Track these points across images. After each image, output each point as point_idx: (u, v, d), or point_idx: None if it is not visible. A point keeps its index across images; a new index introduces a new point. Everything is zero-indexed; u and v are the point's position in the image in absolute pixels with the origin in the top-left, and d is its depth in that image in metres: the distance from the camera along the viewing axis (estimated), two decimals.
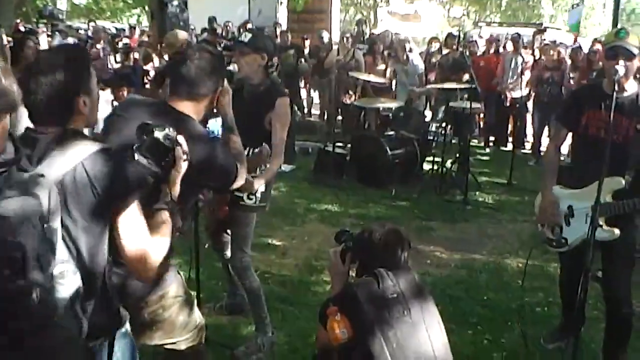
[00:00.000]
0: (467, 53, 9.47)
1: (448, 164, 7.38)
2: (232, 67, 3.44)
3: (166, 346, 2.50)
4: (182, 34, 6.00)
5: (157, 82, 5.36)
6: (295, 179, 7.54)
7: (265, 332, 3.57)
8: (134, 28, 15.25)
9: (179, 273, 2.52)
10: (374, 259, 2.37)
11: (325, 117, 10.84)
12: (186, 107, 2.36)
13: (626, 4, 26.25)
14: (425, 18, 25.38)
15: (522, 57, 9.31)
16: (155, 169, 1.83)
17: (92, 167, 1.64)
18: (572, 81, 8.59)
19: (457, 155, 7.54)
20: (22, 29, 11.58)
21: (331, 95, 9.91)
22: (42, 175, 1.54)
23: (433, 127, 7.94)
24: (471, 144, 8.16)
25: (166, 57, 7.14)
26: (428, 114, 9.31)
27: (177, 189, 1.96)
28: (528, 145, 9.72)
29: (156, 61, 8.32)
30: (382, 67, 9.43)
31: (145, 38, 12.34)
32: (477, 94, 7.49)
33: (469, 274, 4.89)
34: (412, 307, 2.21)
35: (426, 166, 7.76)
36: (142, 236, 1.77)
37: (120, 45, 11.50)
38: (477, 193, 7.16)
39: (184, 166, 1.95)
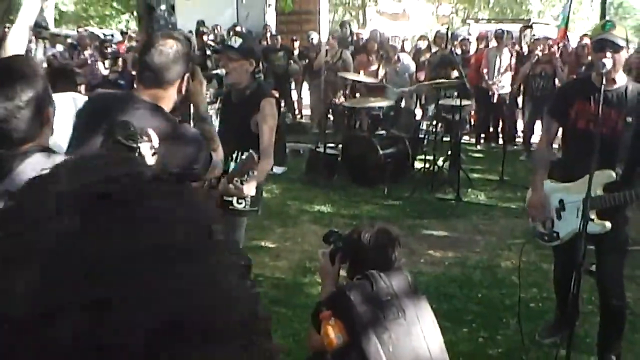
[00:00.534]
0: (460, 51, 9.50)
1: (440, 162, 7.37)
2: (220, 71, 3.42)
3: None
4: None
5: None
6: (287, 180, 7.52)
7: None
8: (126, 33, 15.17)
9: None
10: (364, 259, 2.36)
11: (317, 118, 10.84)
12: (153, 95, 2.30)
13: None
14: (414, 16, 25.44)
15: (510, 52, 9.33)
16: None
17: None
18: (564, 76, 8.61)
19: (449, 152, 7.53)
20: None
21: (321, 96, 9.90)
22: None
23: (424, 126, 7.94)
24: (462, 141, 8.16)
25: None
26: (418, 112, 9.32)
27: None
28: (520, 140, 9.73)
29: None
30: (375, 66, 9.45)
31: (134, 43, 12.28)
32: (467, 91, 7.49)
33: (462, 271, 4.88)
34: (407, 309, 2.19)
35: (418, 165, 7.75)
36: None
37: (109, 50, 11.45)
38: (470, 190, 7.15)
39: (152, 161, 1.91)
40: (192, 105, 2.59)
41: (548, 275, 4.29)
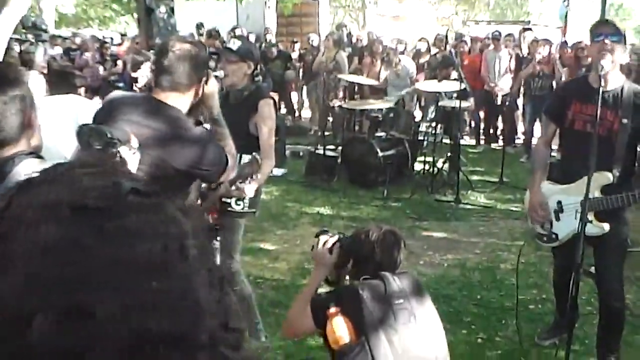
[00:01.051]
0: (457, 53, 9.48)
1: (439, 163, 7.37)
2: (219, 72, 3.43)
3: None
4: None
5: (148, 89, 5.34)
6: (287, 182, 7.52)
7: (258, 337, 3.54)
8: (125, 35, 15.18)
9: None
10: (371, 259, 2.32)
11: (316, 119, 10.84)
12: (170, 98, 2.34)
13: None
14: (414, 18, 25.44)
15: (510, 54, 9.32)
16: None
17: None
18: (563, 75, 8.59)
19: (448, 154, 7.53)
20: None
21: (320, 98, 9.90)
22: None
23: (423, 127, 7.92)
24: (462, 142, 8.15)
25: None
26: (418, 114, 9.31)
27: None
28: (520, 142, 9.72)
29: (145, 67, 8.26)
30: (378, 68, 9.45)
31: (133, 45, 12.28)
32: (467, 93, 7.48)
33: (462, 273, 4.88)
34: (417, 312, 2.18)
35: (417, 166, 7.76)
36: None
37: (108, 52, 11.46)
38: (469, 192, 7.15)
39: (134, 161, 1.91)
40: (204, 107, 2.62)
41: (547, 276, 4.29)
